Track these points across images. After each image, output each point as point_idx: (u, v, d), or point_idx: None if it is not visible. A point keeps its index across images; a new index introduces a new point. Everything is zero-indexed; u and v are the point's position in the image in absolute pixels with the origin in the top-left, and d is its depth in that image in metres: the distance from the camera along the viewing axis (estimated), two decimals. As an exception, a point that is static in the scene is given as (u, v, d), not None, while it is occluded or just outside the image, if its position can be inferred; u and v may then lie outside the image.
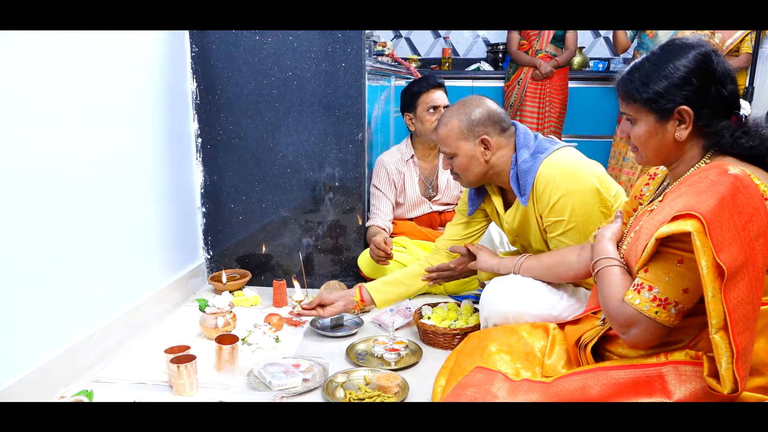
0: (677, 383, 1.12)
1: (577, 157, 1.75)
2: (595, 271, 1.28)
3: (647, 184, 1.44)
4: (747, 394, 1.11)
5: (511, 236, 1.95)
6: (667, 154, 1.22)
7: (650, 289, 1.10)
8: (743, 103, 1.16)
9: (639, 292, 1.12)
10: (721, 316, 0.98)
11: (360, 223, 2.50)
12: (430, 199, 2.66)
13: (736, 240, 1.00)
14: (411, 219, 2.69)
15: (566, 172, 1.68)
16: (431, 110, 2.54)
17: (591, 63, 4.70)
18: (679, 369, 1.13)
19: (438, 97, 2.55)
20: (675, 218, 1.04)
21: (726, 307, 0.98)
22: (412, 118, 2.59)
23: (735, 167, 1.08)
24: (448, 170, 2.26)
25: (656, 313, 1.10)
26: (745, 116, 1.17)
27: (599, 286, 1.25)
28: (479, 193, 1.97)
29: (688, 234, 1.01)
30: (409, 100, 2.59)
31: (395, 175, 2.60)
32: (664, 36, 3.47)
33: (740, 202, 1.02)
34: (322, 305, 1.98)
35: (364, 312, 2.20)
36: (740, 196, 1.03)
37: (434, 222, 2.70)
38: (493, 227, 2.32)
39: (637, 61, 1.23)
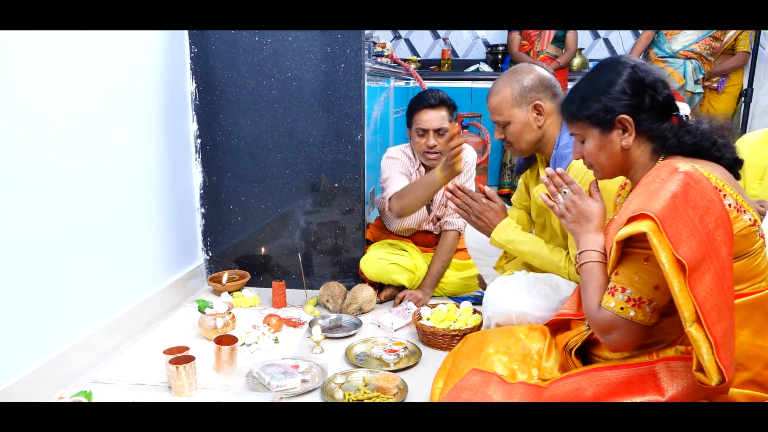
0: (669, 380, 1.13)
1: None
2: (579, 264, 1.29)
3: (619, 195, 1.48)
4: (735, 390, 1.11)
5: (535, 211, 1.92)
6: (619, 163, 1.27)
7: (623, 290, 1.12)
8: (680, 104, 1.22)
9: (613, 294, 1.13)
10: (691, 308, 1.00)
11: (361, 221, 2.49)
12: (429, 212, 2.52)
13: (694, 234, 1.02)
14: (409, 237, 2.57)
15: None
16: (420, 133, 2.31)
17: (590, 64, 4.71)
18: (670, 365, 1.14)
19: (428, 119, 2.27)
20: (630, 220, 1.07)
21: (695, 299, 1.00)
22: (410, 134, 2.40)
23: (685, 164, 1.11)
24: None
25: (632, 313, 1.11)
26: (686, 116, 1.22)
27: (581, 284, 1.26)
28: (528, 161, 1.94)
29: (645, 234, 1.03)
30: (407, 114, 2.41)
31: (406, 173, 2.43)
32: (682, 37, 3.46)
33: (693, 197, 1.05)
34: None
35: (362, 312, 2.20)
36: (692, 191, 1.06)
37: (430, 242, 2.57)
38: None
39: (576, 84, 1.32)
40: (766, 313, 1.15)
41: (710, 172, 1.13)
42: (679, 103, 1.22)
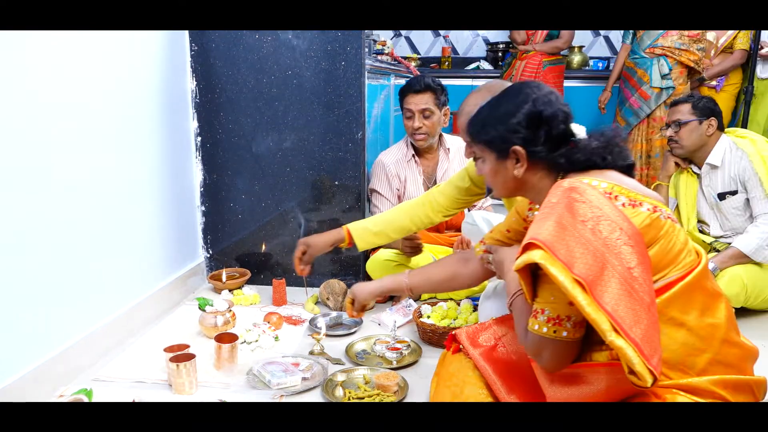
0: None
1: None
2: (509, 304, 1.31)
3: (530, 209, 1.51)
4: (703, 379, 1.11)
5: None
6: (514, 188, 1.31)
7: (542, 312, 1.13)
8: (577, 128, 1.25)
9: (536, 317, 1.15)
10: (605, 320, 1.00)
11: (361, 219, 2.49)
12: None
13: (588, 248, 1.04)
14: None
15: None
16: (408, 115, 2.48)
17: (591, 62, 4.70)
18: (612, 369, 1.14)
19: (415, 101, 2.44)
20: (523, 249, 1.10)
21: (605, 310, 1.00)
22: (403, 118, 2.57)
23: (571, 182, 1.15)
24: (446, 164, 2.25)
25: (555, 332, 1.12)
26: (582, 138, 1.26)
27: (514, 318, 1.28)
28: None
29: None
30: (399, 100, 2.56)
31: (395, 178, 2.56)
32: (647, 36, 3.49)
33: (581, 211, 1.08)
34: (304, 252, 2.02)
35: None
36: (578, 205, 1.09)
37: (440, 225, 2.63)
38: (479, 217, 2.26)
39: (481, 105, 1.34)
40: (704, 289, 1.16)
41: (600, 180, 1.17)
42: (575, 126, 1.25)
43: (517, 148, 1.24)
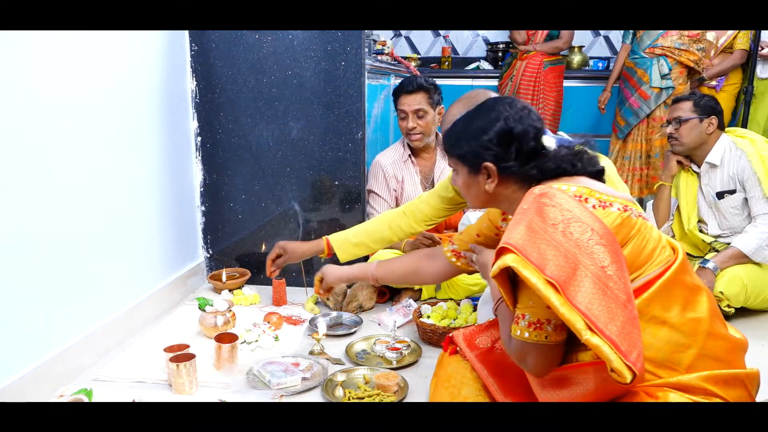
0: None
1: None
2: (494, 309, 1.32)
3: (504, 219, 1.55)
4: (692, 376, 1.11)
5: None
6: (486, 200, 1.34)
7: (523, 317, 1.14)
8: (548, 141, 1.27)
9: (518, 323, 1.16)
10: (579, 319, 1.01)
11: (361, 219, 2.49)
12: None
13: (559, 249, 1.05)
14: None
15: None
16: (402, 116, 2.49)
17: (591, 62, 4.70)
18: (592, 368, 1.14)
19: (408, 102, 2.44)
20: (497, 255, 1.12)
21: (579, 309, 1.01)
22: (398, 119, 2.57)
23: (540, 187, 1.18)
24: (443, 163, 2.26)
25: (536, 336, 1.13)
26: (552, 148, 1.28)
27: (499, 324, 1.29)
28: None
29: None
30: (393, 100, 2.57)
31: (392, 179, 2.56)
32: (646, 36, 3.49)
33: (551, 215, 1.10)
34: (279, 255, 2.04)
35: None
36: (548, 209, 1.11)
37: (439, 225, 2.66)
38: (476, 217, 2.26)
39: (457, 119, 1.37)
40: (683, 284, 1.16)
41: (570, 185, 1.19)
42: (546, 139, 1.27)
43: (489, 164, 1.27)
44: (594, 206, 1.14)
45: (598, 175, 1.27)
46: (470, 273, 1.81)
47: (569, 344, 1.17)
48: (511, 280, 1.16)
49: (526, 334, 1.13)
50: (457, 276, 2.41)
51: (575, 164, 1.25)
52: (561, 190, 1.16)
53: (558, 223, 1.09)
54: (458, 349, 1.53)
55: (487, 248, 1.53)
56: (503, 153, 1.25)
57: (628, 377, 0.99)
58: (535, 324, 1.12)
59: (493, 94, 1.78)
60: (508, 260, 1.07)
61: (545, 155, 1.26)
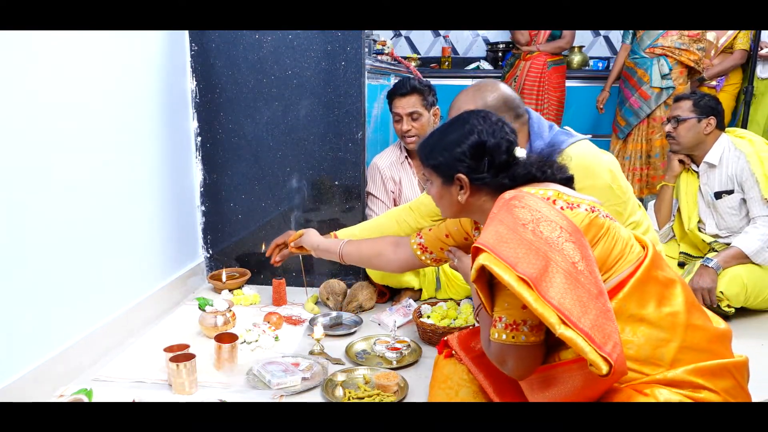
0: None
1: (593, 150, 1.76)
2: (475, 314, 1.34)
3: (476, 228, 1.57)
4: (677, 371, 1.11)
5: None
6: (459, 211, 1.37)
7: (500, 319, 1.16)
8: (520, 152, 1.30)
9: (495, 326, 1.17)
10: (553, 313, 1.02)
11: (361, 219, 2.49)
12: None
13: (530, 248, 1.08)
14: None
15: (580, 167, 1.66)
16: (396, 119, 2.47)
17: (591, 62, 4.70)
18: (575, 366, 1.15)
19: (402, 105, 2.43)
20: (473, 257, 1.14)
21: (552, 304, 1.02)
22: (393, 122, 2.56)
23: (510, 192, 1.21)
24: None
25: (513, 337, 1.14)
26: (522, 156, 1.31)
27: (480, 329, 1.30)
28: None
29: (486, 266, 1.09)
30: (387, 103, 2.56)
31: (390, 181, 2.56)
32: (646, 35, 3.49)
33: (522, 215, 1.13)
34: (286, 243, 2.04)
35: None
36: (517, 210, 1.14)
37: None
38: None
39: (433, 130, 1.40)
40: (656, 280, 1.18)
41: (539, 189, 1.22)
42: (518, 151, 1.30)
43: (461, 176, 1.29)
44: (562, 207, 1.17)
45: (568, 182, 1.31)
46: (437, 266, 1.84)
47: (551, 344, 1.18)
48: (489, 285, 1.18)
49: (504, 336, 1.14)
50: (454, 275, 2.42)
51: (545, 171, 1.28)
52: (530, 193, 1.19)
53: (528, 223, 1.11)
54: (453, 352, 1.53)
55: (465, 254, 1.55)
56: (476, 165, 1.28)
57: (604, 368, 0.99)
58: (512, 326, 1.14)
59: (502, 85, 1.78)
60: (481, 259, 1.09)
61: (516, 164, 1.29)
